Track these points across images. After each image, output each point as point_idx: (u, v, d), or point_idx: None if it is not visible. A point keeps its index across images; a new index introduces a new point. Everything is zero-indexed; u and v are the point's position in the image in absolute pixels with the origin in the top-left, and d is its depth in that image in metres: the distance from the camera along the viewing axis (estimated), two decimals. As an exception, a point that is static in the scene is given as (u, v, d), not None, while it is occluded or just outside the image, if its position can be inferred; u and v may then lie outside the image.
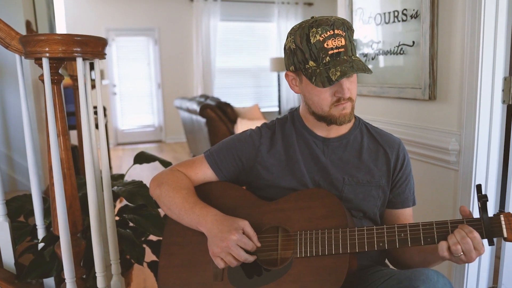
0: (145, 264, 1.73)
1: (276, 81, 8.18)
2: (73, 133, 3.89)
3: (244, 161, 1.26)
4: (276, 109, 8.31)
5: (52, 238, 1.49)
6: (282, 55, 8.02)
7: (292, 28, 1.14)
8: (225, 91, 8.11)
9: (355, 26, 2.10)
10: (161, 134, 8.11)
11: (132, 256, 1.60)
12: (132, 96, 7.79)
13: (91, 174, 1.39)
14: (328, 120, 1.16)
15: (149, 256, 1.82)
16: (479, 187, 1.01)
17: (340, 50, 1.08)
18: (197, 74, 7.82)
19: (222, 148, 1.29)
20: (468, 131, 1.51)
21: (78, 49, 1.28)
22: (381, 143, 1.26)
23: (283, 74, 8.05)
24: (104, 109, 4.88)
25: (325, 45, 1.06)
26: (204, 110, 4.78)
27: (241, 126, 4.90)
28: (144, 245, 1.80)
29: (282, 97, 8.21)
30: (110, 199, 1.49)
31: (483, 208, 0.98)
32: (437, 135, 1.64)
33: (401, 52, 1.80)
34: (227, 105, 5.06)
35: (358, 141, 1.25)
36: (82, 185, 1.80)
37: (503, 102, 1.48)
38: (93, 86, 2.15)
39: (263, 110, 8.10)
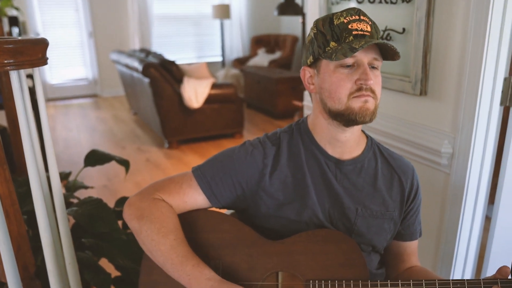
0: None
1: (219, 30, 7.72)
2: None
3: (244, 186, 1.04)
4: (220, 58, 7.93)
5: (-2, 285, 1.23)
6: (225, 1, 7.55)
7: (315, 20, 1.02)
8: (164, 40, 7.55)
9: (333, 0, 1.88)
10: (96, 87, 7.50)
11: (97, 285, 1.39)
12: (60, 46, 7.01)
13: (43, 212, 1.13)
14: (346, 116, 0.95)
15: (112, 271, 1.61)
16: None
17: (365, 33, 0.95)
18: (133, 21, 7.16)
19: (217, 169, 1.05)
20: (464, 134, 1.40)
21: (11, 61, 0.97)
22: (396, 169, 1.10)
23: (226, 21, 7.68)
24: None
25: (349, 26, 0.94)
26: (147, 69, 4.36)
27: (188, 86, 4.57)
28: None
29: (225, 46, 7.81)
30: (67, 230, 1.25)
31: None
32: (427, 135, 1.53)
33: (388, 38, 1.62)
34: (172, 63, 4.66)
35: (372, 165, 1.08)
36: (25, 195, 1.52)
37: (501, 103, 1.38)
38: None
39: (205, 60, 7.70)
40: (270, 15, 7.63)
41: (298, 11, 4.94)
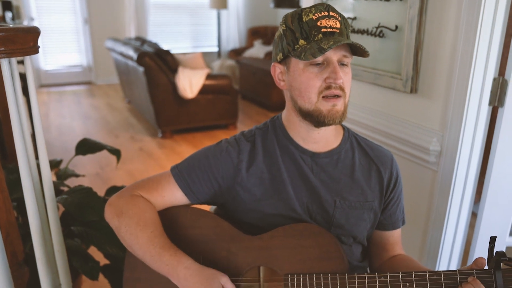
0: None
1: (216, 19, 7.68)
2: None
3: (220, 182, 1.07)
4: (216, 49, 7.89)
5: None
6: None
7: (284, 15, 1.01)
8: (160, 29, 7.50)
9: (327, -5, 1.88)
10: (91, 75, 7.45)
11: (85, 272, 1.40)
12: (55, 32, 6.95)
13: (32, 200, 1.14)
14: (315, 117, 0.98)
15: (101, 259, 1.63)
16: (493, 239, 0.92)
17: (334, 30, 0.95)
18: (129, 9, 7.10)
19: (193, 166, 1.08)
20: (452, 133, 1.42)
21: (2, 49, 0.97)
22: (374, 159, 1.12)
23: (223, 12, 7.64)
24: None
25: (318, 23, 0.94)
26: (142, 58, 4.34)
27: (183, 76, 4.56)
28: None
29: (222, 37, 7.77)
30: (56, 218, 1.26)
31: (496, 266, 0.90)
32: (417, 132, 1.55)
33: (381, 34, 1.63)
34: (167, 52, 4.64)
35: (349, 156, 1.10)
36: (15, 182, 1.52)
37: (490, 104, 1.40)
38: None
39: (201, 50, 7.67)
40: (267, 7, 7.60)
41: (294, 4, 4.93)
